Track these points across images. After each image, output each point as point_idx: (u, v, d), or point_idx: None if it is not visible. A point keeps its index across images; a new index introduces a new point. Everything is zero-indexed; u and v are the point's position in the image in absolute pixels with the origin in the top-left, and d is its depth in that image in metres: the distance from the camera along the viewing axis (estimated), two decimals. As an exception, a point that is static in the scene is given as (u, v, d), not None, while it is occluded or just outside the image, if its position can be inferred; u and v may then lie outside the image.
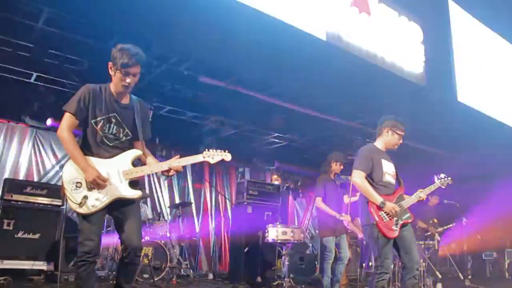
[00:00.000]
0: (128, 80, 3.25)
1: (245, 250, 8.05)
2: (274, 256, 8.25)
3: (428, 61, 8.94)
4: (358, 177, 4.41)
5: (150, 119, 3.73)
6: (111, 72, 3.29)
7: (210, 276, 8.36)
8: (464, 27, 10.41)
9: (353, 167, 4.53)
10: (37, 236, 6.69)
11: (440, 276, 7.81)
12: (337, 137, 9.64)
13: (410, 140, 8.89)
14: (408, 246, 4.29)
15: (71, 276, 6.48)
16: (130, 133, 3.42)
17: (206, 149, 3.43)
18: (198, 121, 8.99)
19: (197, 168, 10.47)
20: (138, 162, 3.44)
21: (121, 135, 3.37)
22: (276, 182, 10.55)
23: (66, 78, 7.17)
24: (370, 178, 4.46)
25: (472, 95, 9.94)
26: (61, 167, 8.74)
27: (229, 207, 11.05)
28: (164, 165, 3.33)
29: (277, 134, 9.76)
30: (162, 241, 7.47)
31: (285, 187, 11.72)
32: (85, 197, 3.13)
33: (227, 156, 3.47)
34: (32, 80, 7.29)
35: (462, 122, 9.42)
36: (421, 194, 4.53)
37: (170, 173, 3.34)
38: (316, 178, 6.85)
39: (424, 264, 7.68)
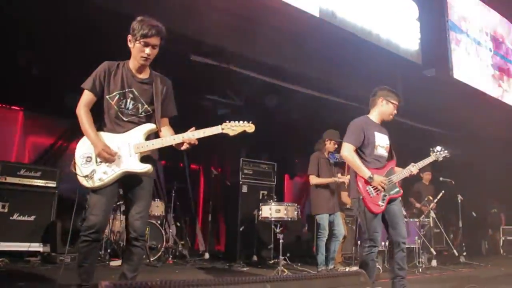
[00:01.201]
0: (147, 51, 3.20)
1: (241, 229, 8.07)
2: (270, 235, 8.26)
3: (423, 38, 8.85)
4: (347, 150, 4.33)
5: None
6: (130, 45, 3.25)
7: (207, 255, 8.38)
8: (460, 3, 10.28)
9: (343, 140, 4.44)
10: (32, 218, 6.68)
11: (435, 253, 7.85)
12: (331, 115, 9.58)
13: (405, 118, 8.94)
14: (394, 221, 4.26)
15: (67, 257, 6.52)
16: (149, 109, 3.35)
17: (227, 121, 3.28)
18: (191, 100, 8.90)
19: (193, 148, 10.39)
20: (153, 137, 3.34)
21: (140, 110, 3.32)
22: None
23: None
24: (361, 151, 4.37)
25: (467, 72, 9.87)
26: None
27: (223, 187, 11.05)
28: (177, 138, 3.23)
29: (271, 113, 9.67)
30: (158, 221, 7.49)
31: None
32: (93, 171, 3.12)
33: (251, 127, 3.32)
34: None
35: (458, 100, 9.39)
36: (413, 168, 4.45)
37: (183, 147, 3.25)
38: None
39: (419, 241, 7.73)
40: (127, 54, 3.35)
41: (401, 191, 4.38)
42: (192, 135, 3.21)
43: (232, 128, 3.26)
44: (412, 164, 4.48)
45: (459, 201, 8.88)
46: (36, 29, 6.18)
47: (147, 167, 3.22)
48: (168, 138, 3.27)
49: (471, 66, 10.10)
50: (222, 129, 3.25)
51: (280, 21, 6.61)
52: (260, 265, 7.64)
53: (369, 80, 7.72)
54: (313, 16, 6.87)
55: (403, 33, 8.58)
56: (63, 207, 7.47)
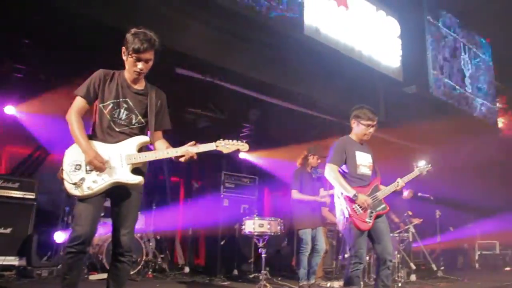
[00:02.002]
0: (139, 65, 3.16)
1: (222, 243, 8.03)
2: (250, 249, 8.27)
3: (404, 56, 9.01)
4: (330, 170, 4.40)
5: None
6: (124, 57, 3.20)
7: (187, 269, 8.28)
8: (438, 22, 10.53)
9: (326, 161, 4.51)
10: (8, 230, 6.53)
11: (414, 267, 7.92)
12: (314, 130, 9.67)
13: (388, 134, 9.06)
14: (381, 237, 4.31)
15: (44, 271, 6.38)
16: (143, 121, 3.29)
17: (221, 139, 3.26)
18: (173, 112, 8.87)
19: (173, 161, 10.33)
20: (145, 150, 3.29)
21: (133, 121, 3.26)
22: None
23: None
24: (344, 170, 4.44)
25: (445, 89, 10.09)
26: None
27: (205, 200, 10.99)
28: (171, 152, 3.19)
29: (253, 127, 9.71)
30: (138, 234, 7.38)
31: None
32: (82, 179, 3.02)
33: (244, 147, 3.32)
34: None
35: (436, 116, 9.58)
36: (400, 182, 4.52)
37: (182, 159, 3.18)
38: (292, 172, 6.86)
39: (398, 256, 7.79)
40: (113, 66, 3.31)
41: (388, 207, 4.43)
42: (186, 150, 3.17)
43: (226, 146, 3.26)
44: (399, 179, 4.53)
45: (437, 216, 9.02)
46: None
47: (138, 179, 3.15)
48: (162, 151, 3.22)
49: (451, 84, 10.33)
50: (216, 146, 3.24)
51: (264, 36, 6.66)
52: (241, 279, 7.60)
53: (352, 96, 7.86)
54: (297, 32, 6.92)
55: (384, 50, 8.73)
56: (42, 219, 7.38)
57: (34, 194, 6.89)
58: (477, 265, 11.98)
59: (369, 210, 4.26)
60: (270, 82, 7.46)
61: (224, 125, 9.66)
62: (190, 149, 3.17)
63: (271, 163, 11.07)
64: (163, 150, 3.23)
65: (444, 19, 10.75)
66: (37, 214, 6.91)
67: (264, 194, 12.38)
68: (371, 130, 4.58)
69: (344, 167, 4.44)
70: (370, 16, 8.60)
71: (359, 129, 4.57)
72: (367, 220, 4.24)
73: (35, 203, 6.88)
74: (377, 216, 4.33)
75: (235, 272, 7.91)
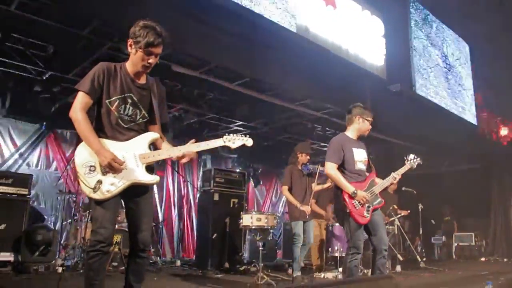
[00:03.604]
0: (150, 60, 3.08)
1: (213, 237, 8.17)
2: (240, 243, 8.45)
3: (388, 55, 9.27)
4: (330, 168, 4.60)
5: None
6: (131, 50, 3.09)
7: (178, 262, 8.44)
8: (422, 22, 10.86)
9: (325, 159, 4.70)
10: (2, 226, 6.51)
11: (401, 258, 8.23)
12: (301, 126, 9.87)
13: (373, 131, 9.28)
14: (377, 229, 4.54)
15: (41, 266, 6.43)
16: (147, 115, 3.23)
17: (227, 134, 3.27)
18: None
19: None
20: (152, 146, 3.25)
21: (138, 116, 3.19)
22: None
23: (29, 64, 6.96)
24: (343, 167, 4.65)
25: (428, 87, 10.42)
26: (20, 155, 8.56)
27: (191, 194, 11.14)
28: (183, 149, 3.13)
29: (241, 123, 9.85)
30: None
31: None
32: (99, 182, 2.95)
33: (249, 141, 3.32)
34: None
35: (419, 114, 9.90)
36: (395, 175, 4.76)
37: (184, 160, 3.16)
38: (277, 166, 7.13)
39: (384, 248, 8.07)
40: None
41: (383, 201, 4.68)
42: (197, 147, 3.16)
43: (233, 141, 3.28)
44: (393, 173, 4.78)
45: (420, 209, 9.38)
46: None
47: (156, 178, 3.14)
48: (174, 149, 3.16)
49: (433, 83, 10.67)
50: (224, 142, 3.25)
51: (256, 34, 6.79)
52: (232, 272, 7.77)
53: (339, 93, 8.07)
54: (288, 31, 7.09)
55: (369, 49, 8.96)
56: (35, 215, 7.41)
57: (27, 190, 6.90)
58: (454, 256, 12.40)
59: (366, 205, 4.49)
60: (259, 79, 7.60)
61: (211, 122, 9.81)
62: (202, 145, 3.18)
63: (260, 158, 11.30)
64: (174, 148, 3.18)
65: (427, 19, 11.08)
66: (31, 210, 6.95)
67: (248, 188, 12.61)
68: (370, 127, 4.85)
69: (342, 164, 4.63)
70: (356, 15, 8.82)
71: (364, 125, 4.79)
72: (365, 214, 4.48)
73: (29, 199, 6.91)
74: (374, 210, 4.57)
75: (226, 265, 8.06)
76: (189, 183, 11.12)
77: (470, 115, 12.41)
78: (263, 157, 11.99)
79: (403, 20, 10.07)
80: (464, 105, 12.15)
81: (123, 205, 3.23)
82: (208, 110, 8.98)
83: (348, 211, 4.44)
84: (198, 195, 10.61)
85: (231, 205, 8.62)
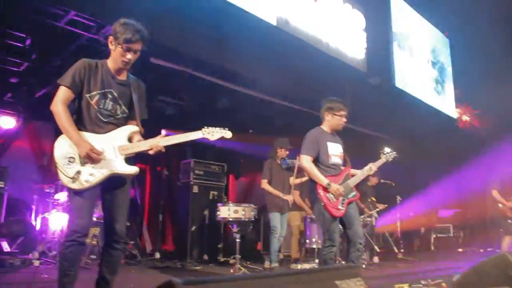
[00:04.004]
0: (129, 56, 3.17)
1: (192, 229, 8.19)
2: (219, 234, 8.49)
3: (369, 48, 9.33)
4: (305, 161, 4.66)
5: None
6: (111, 47, 3.20)
7: (157, 255, 8.42)
8: (403, 16, 10.93)
9: (300, 152, 4.75)
10: (-22, 219, 6.47)
11: (378, 250, 8.35)
12: (279, 119, 9.89)
13: (352, 123, 9.37)
14: (352, 222, 4.61)
15: (17, 260, 6.36)
16: (127, 111, 3.32)
17: (205, 127, 3.33)
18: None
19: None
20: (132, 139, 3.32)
21: (118, 111, 3.28)
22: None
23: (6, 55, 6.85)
24: (318, 160, 4.70)
25: (408, 81, 10.52)
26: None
27: (171, 187, 11.09)
28: (162, 141, 3.19)
29: (221, 115, 9.81)
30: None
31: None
32: (78, 172, 3.02)
33: (228, 134, 3.40)
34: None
35: (399, 107, 9.99)
36: (373, 167, 4.86)
37: (151, 152, 3.20)
38: (258, 159, 7.23)
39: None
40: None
41: (358, 194, 4.74)
42: (177, 139, 3.24)
43: (212, 133, 3.34)
44: (370, 164, 4.84)
45: (398, 201, 9.51)
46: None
47: (134, 169, 3.20)
48: (154, 140, 3.20)
49: (412, 77, 10.76)
50: (203, 134, 3.32)
51: (238, 28, 6.79)
52: (211, 263, 7.80)
53: (320, 86, 8.11)
54: (270, 25, 7.09)
55: (350, 42, 9.00)
56: (12, 207, 7.33)
57: (3, 182, 6.82)
58: (432, 247, 12.61)
59: (341, 198, 4.54)
60: (236, 70, 7.62)
61: (191, 113, 9.77)
62: (182, 137, 3.24)
63: (240, 150, 11.28)
64: (153, 140, 3.21)
65: (408, 12, 11.16)
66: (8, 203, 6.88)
67: (229, 180, 12.61)
68: (345, 119, 4.85)
69: (317, 157, 4.68)
70: (337, 8, 8.84)
71: (334, 120, 4.83)
72: (339, 207, 4.53)
73: (5, 191, 6.84)
74: (349, 203, 4.63)
75: (205, 257, 8.09)
76: (169, 175, 11.06)
77: (449, 109, 12.56)
78: (244, 150, 11.96)
79: (384, 13, 10.12)
80: (443, 99, 12.29)
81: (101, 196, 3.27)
82: (189, 102, 8.95)
83: (322, 204, 4.48)
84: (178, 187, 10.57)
85: (211, 198, 8.63)
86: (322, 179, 4.52)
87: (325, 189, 4.50)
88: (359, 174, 4.82)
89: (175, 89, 8.38)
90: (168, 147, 3.28)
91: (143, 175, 11.00)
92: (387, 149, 5.12)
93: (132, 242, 8.33)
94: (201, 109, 9.46)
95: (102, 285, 3.22)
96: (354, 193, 4.70)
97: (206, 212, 8.36)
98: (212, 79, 7.58)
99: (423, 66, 11.57)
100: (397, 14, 10.61)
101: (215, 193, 8.77)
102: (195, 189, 8.56)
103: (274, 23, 7.20)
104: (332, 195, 4.50)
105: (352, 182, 4.72)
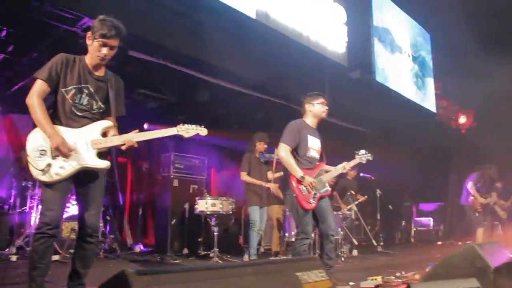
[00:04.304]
0: (104, 51, 3.21)
1: (172, 223, 8.18)
2: (199, 228, 8.47)
3: (349, 42, 9.36)
4: (283, 150, 4.65)
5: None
6: (89, 42, 3.24)
7: (137, 249, 8.42)
8: (384, 11, 10.98)
9: (280, 140, 4.74)
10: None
11: (356, 243, 8.42)
12: (261, 113, 9.90)
13: (332, 117, 9.42)
14: (324, 216, 4.65)
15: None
16: (103, 106, 3.36)
17: (181, 123, 3.40)
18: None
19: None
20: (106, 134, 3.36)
21: (94, 107, 3.31)
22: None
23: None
24: (295, 152, 4.70)
25: (388, 75, 10.58)
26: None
27: (153, 180, 11.05)
28: (136, 137, 3.27)
29: (201, 108, 9.78)
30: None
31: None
32: (49, 165, 3.06)
33: (203, 131, 3.48)
34: None
35: (380, 101, 10.06)
36: (347, 166, 4.92)
37: (124, 147, 3.26)
38: (239, 152, 7.25)
39: (341, 233, 8.25)
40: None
41: (330, 189, 4.78)
42: (152, 135, 3.31)
43: (187, 130, 3.42)
44: (345, 163, 4.89)
45: (378, 195, 9.59)
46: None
47: (105, 163, 3.24)
48: (127, 135, 3.26)
49: (393, 71, 10.83)
50: (177, 131, 3.40)
51: (217, 20, 6.77)
52: (191, 257, 7.80)
53: (300, 80, 8.13)
54: (249, 17, 7.07)
55: (331, 36, 9.01)
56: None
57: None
58: (413, 240, 12.77)
59: (313, 192, 4.57)
60: (215, 63, 7.60)
61: (172, 107, 9.74)
62: (157, 133, 3.34)
63: (220, 144, 11.28)
64: (127, 135, 3.27)
65: (389, 7, 11.22)
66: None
67: (211, 174, 12.61)
68: (326, 106, 4.88)
69: (296, 148, 4.69)
70: (318, 2, 8.83)
71: (315, 108, 4.85)
72: (311, 200, 4.56)
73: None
74: (321, 198, 4.66)
75: (185, 250, 8.09)
76: (150, 169, 11.02)
77: (429, 103, 12.67)
78: (226, 143, 11.96)
79: (365, 7, 10.15)
80: (424, 93, 12.40)
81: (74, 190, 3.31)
82: (169, 95, 8.92)
83: (294, 195, 4.51)
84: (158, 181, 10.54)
85: (191, 191, 8.63)
86: (297, 171, 4.53)
87: (299, 181, 4.52)
88: (333, 171, 4.88)
89: (156, 82, 8.32)
90: (150, 141, 3.37)
91: (124, 169, 10.97)
92: (362, 151, 5.19)
93: (112, 236, 8.32)
94: (182, 103, 9.44)
95: (75, 278, 3.23)
96: (326, 188, 4.73)
97: (186, 206, 8.33)
98: (191, 72, 7.55)
99: (403, 60, 11.64)
100: (378, 8, 10.65)
101: (196, 186, 8.76)
102: (176, 182, 8.55)
103: (254, 16, 7.17)
104: (304, 188, 4.53)
105: (325, 177, 4.76)
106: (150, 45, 6.78)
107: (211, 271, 1.70)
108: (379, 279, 4.78)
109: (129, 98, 9.05)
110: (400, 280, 4.77)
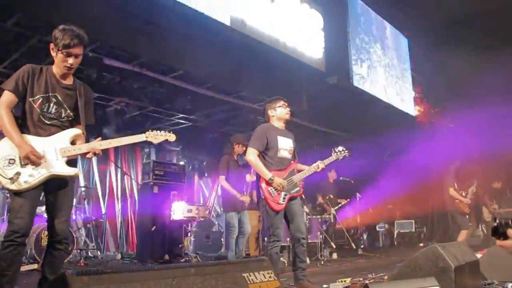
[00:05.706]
0: (70, 61, 3.25)
1: (152, 229, 8.20)
2: (181, 234, 8.49)
3: (327, 47, 9.45)
4: (251, 154, 4.71)
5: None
6: (53, 53, 3.28)
7: (118, 256, 8.42)
8: (361, 16, 11.12)
9: (248, 145, 4.82)
10: None
11: (334, 246, 8.50)
12: (240, 118, 9.97)
13: (310, 121, 9.52)
14: (294, 218, 4.70)
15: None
16: (72, 114, 3.40)
17: (150, 130, 3.47)
18: (102, 102, 8.83)
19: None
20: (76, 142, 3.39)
21: (63, 115, 3.35)
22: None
23: None
24: (265, 153, 4.75)
25: (366, 80, 10.70)
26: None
27: (135, 188, 11.07)
28: (104, 144, 3.32)
29: (182, 115, 9.85)
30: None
31: (190, 167, 12.07)
32: (18, 173, 3.09)
33: (172, 137, 3.55)
34: None
35: (357, 106, 10.17)
36: (320, 164, 4.89)
37: (88, 155, 3.30)
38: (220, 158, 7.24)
39: (321, 236, 8.33)
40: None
41: (301, 190, 4.82)
42: (119, 142, 3.39)
43: (155, 136, 3.50)
44: (319, 161, 4.92)
45: (358, 198, 9.70)
46: None
47: (75, 171, 3.30)
48: (95, 143, 3.32)
49: (371, 75, 10.95)
50: (146, 137, 3.46)
51: (191, 28, 6.82)
52: (173, 263, 7.80)
53: (276, 85, 8.21)
54: (223, 24, 7.13)
55: (308, 42, 9.08)
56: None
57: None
58: (395, 242, 12.88)
59: (283, 193, 4.62)
60: (197, 73, 7.67)
61: (154, 114, 9.77)
62: (124, 140, 3.41)
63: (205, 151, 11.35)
64: (94, 142, 3.33)
65: (365, 12, 11.36)
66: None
67: (194, 180, 12.69)
68: (288, 108, 4.95)
69: (265, 150, 4.74)
70: (294, 8, 8.91)
71: (277, 112, 4.91)
72: (280, 201, 4.60)
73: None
74: (292, 198, 4.70)
75: (166, 257, 8.10)
76: (131, 177, 11.04)
77: (408, 107, 12.81)
78: (208, 150, 12.02)
79: (342, 13, 10.26)
80: (402, 97, 12.53)
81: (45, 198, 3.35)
82: (148, 103, 8.95)
83: (263, 197, 4.57)
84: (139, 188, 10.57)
85: (171, 197, 8.64)
86: (266, 173, 4.59)
87: (268, 183, 4.58)
88: (306, 171, 4.88)
89: (134, 90, 8.35)
90: (132, 149, 3.42)
91: (106, 176, 10.98)
92: (339, 147, 5.20)
93: (92, 244, 8.34)
94: (160, 110, 9.47)
95: (44, 285, 3.26)
96: (297, 188, 4.76)
97: (167, 212, 8.35)
98: (166, 79, 7.62)
99: (381, 64, 11.78)
100: (355, 13, 10.77)
101: (175, 193, 8.77)
102: (156, 189, 8.56)
103: (228, 23, 7.23)
104: (273, 189, 4.58)
105: (297, 177, 4.78)
106: (122, 52, 6.84)
107: (154, 272, 1.75)
108: (347, 281, 4.85)
109: (106, 107, 9.13)
110: (367, 281, 4.84)
